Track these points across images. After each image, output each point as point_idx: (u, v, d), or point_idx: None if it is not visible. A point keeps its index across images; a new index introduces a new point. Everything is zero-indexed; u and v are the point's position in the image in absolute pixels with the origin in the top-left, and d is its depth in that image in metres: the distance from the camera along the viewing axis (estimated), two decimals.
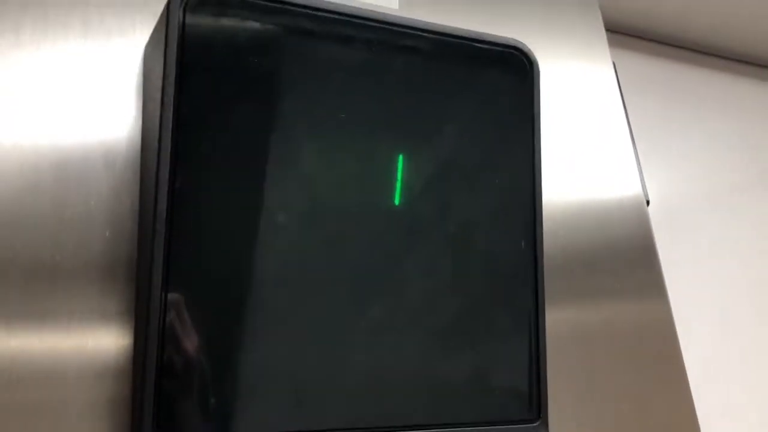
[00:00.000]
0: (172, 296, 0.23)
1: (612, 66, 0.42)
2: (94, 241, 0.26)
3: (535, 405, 0.29)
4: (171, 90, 0.24)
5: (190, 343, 0.24)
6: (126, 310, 0.25)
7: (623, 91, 0.43)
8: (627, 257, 0.37)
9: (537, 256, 0.29)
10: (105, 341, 0.25)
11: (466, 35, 0.30)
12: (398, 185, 0.28)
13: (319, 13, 0.27)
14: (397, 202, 0.28)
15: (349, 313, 0.26)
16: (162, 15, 0.26)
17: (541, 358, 0.29)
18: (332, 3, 0.27)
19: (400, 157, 0.28)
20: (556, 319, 0.33)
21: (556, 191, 0.36)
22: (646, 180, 0.42)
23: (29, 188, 0.25)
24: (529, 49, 0.31)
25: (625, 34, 0.81)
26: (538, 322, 0.29)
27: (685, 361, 0.37)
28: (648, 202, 0.40)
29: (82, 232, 0.26)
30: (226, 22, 0.26)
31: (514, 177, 0.30)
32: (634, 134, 0.42)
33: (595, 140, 0.39)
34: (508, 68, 0.31)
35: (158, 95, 0.25)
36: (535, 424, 0.28)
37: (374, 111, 0.28)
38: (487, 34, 0.30)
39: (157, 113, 0.24)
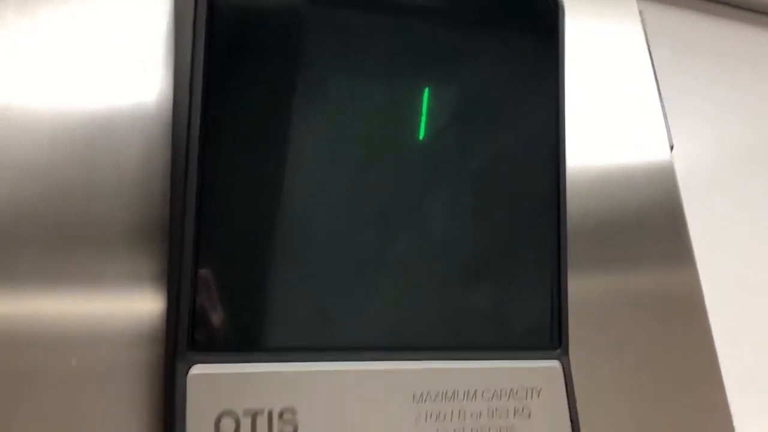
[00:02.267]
0: (206, 216, 0.24)
1: (639, 16, 0.42)
2: (126, 202, 0.26)
3: (556, 334, 0.29)
4: (201, 42, 0.25)
5: (224, 262, 0.25)
6: (160, 272, 0.26)
7: (650, 43, 0.43)
8: (653, 221, 0.37)
9: (560, 191, 0.30)
10: (138, 306, 0.25)
11: None
12: (423, 120, 0.29)
13: None
14: (421, 137, 0.29)
15: (373, 244, 0.27)
16: None
17: (562, 290, 0.29)
18: None
19: (426, 92, 0.29)
20: (579, 286, 0.33)
21: (579, 149, 0.36)
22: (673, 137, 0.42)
23: (59, 149, 0.26)
24: None
25: None
26: (560, 255, 0.30)
27: (713, 330, 0.37)
28: (672, 147, 0.40)
29: (113, 194, 0.26)
30: None
31: (538, 116, 0.30)
32: (661, 89, 0.42)
33: (620, 95, 0.39)
34: (532, 6, 0.31)
35: (189, 45, 0.25)
36: (556, 351, 0.29)
37: (398, 47, 0.29)
38: None
39: (188, 68, 0.25)
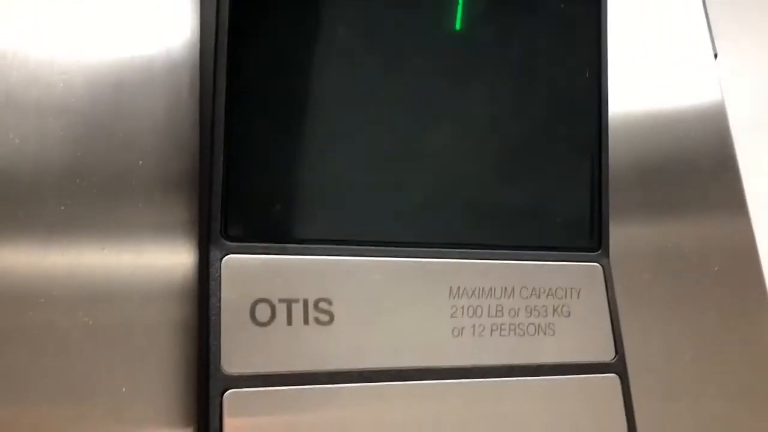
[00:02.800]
0: (238, 107, 0.24)
1: None
2: (156, 150, 0.25)
3: (596, 235, 0.29)
4: None
5: (257, 151, 0.24)
6: (190, 221, 0.25)
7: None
8: (704, 169, 0.35)
9: (602, 85, 0.29)
10: (168, 257, 0.24)
11: None
12: (459, 9, 0.28)
13: None
14: (458, 26, 0.28)
15: (411, 135, 0.26)
16: None
17: (603, 190, 0.29)
18: None
19: None
20: (627, 235, 0.32)
21: (624, 92, 0.34)
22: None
23: (87, 97, 0.25)
24: None
25: None
26: (601, 154, 0.29)
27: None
28: (716, 56, 0.38)
29: (141, 143, 0.25)
30: None
31: (579, 6, 0.29)
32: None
33: (669, 31, 0.36)
34: None
35: None
36: (597, 253, 0.28)
37: None
38: None
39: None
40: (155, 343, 0.24)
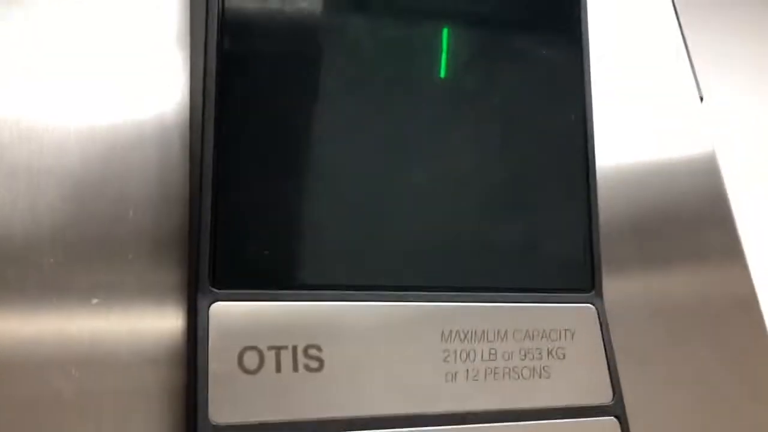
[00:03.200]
0: (228, 154, 0.24)
1: None
2: (144, 212, 0.25)
3: (589, 276, 0.28)
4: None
5: (246, 198, 0.24)
6: (179, 284, 0.25)
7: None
8: (697, 216, 0.34)
9: (587, 127, 0.29)
10: (157, 321, 0.24)
11: None
12: (444, 58, 0.28)
13: None
14: (443, 74, 0.28)
15: (400, 181, 0.26)
16: None
17: (594, 229, 0.29)
18: None
19: (445, 31, 0.28)
20: (623, 285, 0.31)
21: (614, 144, 0.34)
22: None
23: (78, 158, 0.25)
24: None
25: None
26: (590, 196, 0.29)
27: None
28: (702, 99, 0.39)
29: (132, 200, 0.25)
30: None
31: (562, 53, 0.30)
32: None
33: (656, 80, 0.36)
34: None
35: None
36: (590, 294, 0.28)
37: None
38: None
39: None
40: (144, 404, 0.23)
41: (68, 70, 0.26)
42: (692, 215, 0.35)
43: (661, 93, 0.37)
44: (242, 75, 0.25)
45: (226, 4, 0.25)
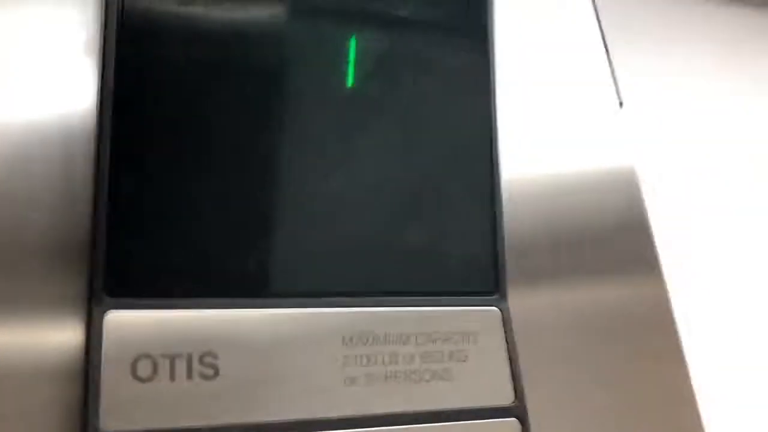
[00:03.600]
0: (121, 166, 0.24)
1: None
2: (47, 221, 0.25)
3: (493, 279, 0.29)
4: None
5: (139, 207, 0.24)
6: (78, 294, 0.24)
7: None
8: (615, 228, 0.35)
9: (492, 131, 0.30)
10: (57, 334, 0.24)
11: None
12: (351, 67, 0.29)
13: None
14: (350, 83, 0.28)
15: (301, 187, 0.27)
16: None
17: (498, 233, 0.29)
18: None
19: (353, 40, 0.29)
20: (537, 298, 0.31)
21: (529, 154, 0.34)
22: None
23: None
24: None
25: None
26: (494, 199, 0.29)
27: (684, 346, 0.35)
28: (621, 104, 0.39)
29: (36, 212, 0.25)
30: None
31: (468, 59, 0.30)
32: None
33: (575, 87, 0.36)
34: None
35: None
36: (494, 297, 0.29)
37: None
38: None
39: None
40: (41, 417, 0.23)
41: None
42: (609, 226, 0.35)
43: (580, 99, 0.37)
44: (140, 82, 0.25)
45: (125, 11, 0.25)
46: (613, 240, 0.35)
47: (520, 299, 0.31)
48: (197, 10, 0.27)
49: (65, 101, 0.27)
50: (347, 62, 0.29)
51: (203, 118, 0.26)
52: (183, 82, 0.26)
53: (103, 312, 0.23)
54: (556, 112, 0.36)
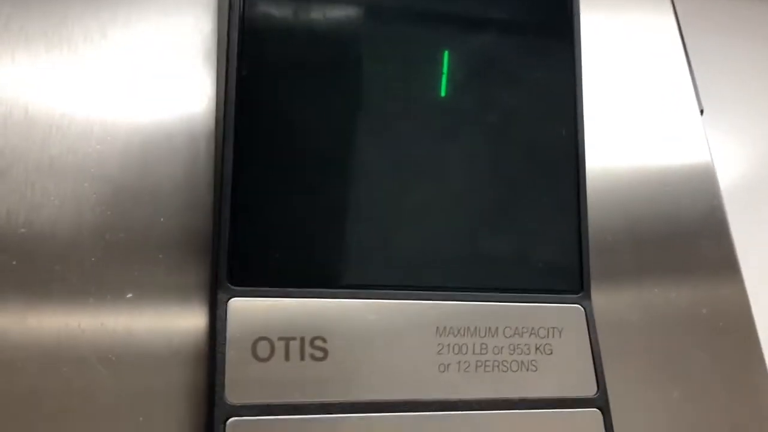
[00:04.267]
0: (244, 163, 0.27)
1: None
2: (173, 216, 0.28)
3: (578, 279, 0.31)
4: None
5: (262, 205, 0.27)
6: (204, 283, 0.28)
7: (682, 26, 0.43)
8: (695, 229, 0.36)
9: (578, 143, 0.31)
10: (185, 319, 0.27)
11: None
12: (444, 79, 0.31)
13: None
14: (443, 93, 0.31)
15: (400, 191, 0.29)
16: None
17: (583, 236, 0.31)
18: None
19: (446, 53, 0.31)
20: (618, 294, 0.33)
21: (612, 154, 0.36)
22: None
23: (119, 167, 0.28)
24: None
25: None
26: (580, 203, 0.31)
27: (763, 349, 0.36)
28: (702, 111, 0.40)
29: (163, 204, 0.28)
30: None
31: (555, 70, 0.32)
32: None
33: (655, 91, 0.38)
34: None
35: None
36: (579, 295, 0.30)
37: (419, 16, 0.31)
38: None
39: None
40: (169, 388, 0.26)
41: (109, 85, 0.29)
42: (689, 227, 0.37)
43: (659, 101, 0.39)
44: (261, 85, 0.28)
45: (246, 15, 0.28)
46: (694, 240, 0.36)
47: (603, 296, 0.32)
48: (309, 17, 0.30)
49: (188, 105, 0.30)
50: (441, 74, 0.31)
51: (315, 120, 0.29)
52: (295, 85, 0.29)
53: (227, 299, 0.26)
54: (639, 115, 0.38)
